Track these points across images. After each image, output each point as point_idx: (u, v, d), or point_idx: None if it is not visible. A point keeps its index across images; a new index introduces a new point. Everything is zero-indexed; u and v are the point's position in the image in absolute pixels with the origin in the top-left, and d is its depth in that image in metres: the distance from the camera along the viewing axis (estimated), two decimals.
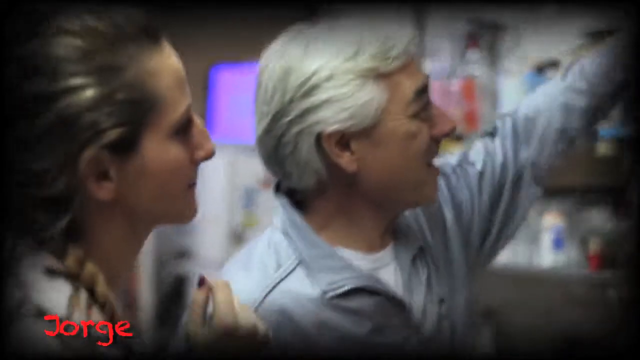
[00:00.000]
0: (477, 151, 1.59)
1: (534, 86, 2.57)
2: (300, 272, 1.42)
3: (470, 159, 1.58)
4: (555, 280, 3.01)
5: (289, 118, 1.38)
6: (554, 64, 2.48)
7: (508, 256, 2.85)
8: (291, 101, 1.38)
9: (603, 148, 2.16)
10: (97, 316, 1.07)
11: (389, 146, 1.39)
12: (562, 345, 2.97)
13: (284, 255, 1.43)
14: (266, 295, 1.39)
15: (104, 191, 1.08)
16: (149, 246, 4.17)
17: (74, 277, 1.07)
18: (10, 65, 1.05)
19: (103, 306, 1.08)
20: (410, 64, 1.37)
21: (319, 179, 1.41)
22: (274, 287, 1.40)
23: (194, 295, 1.19)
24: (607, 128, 2.14)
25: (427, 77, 1.42)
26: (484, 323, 3.43)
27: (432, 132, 1.40)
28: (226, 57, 4.51)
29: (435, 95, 3.07)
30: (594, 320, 2.86)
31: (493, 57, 3.05)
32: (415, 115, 1.38)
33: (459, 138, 3.12)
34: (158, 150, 1.10)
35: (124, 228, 1.13)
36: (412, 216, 1.54)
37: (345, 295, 1.41)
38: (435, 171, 1.44)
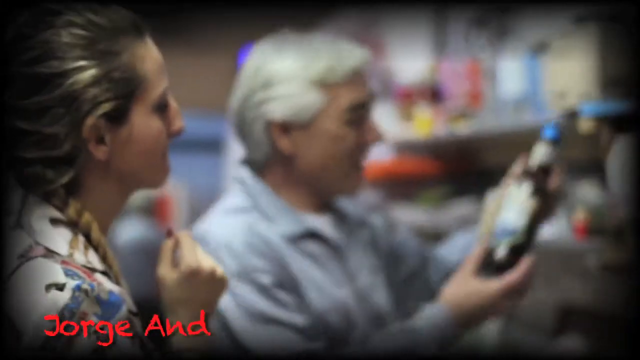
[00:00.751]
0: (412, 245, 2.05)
1: (530, 68, 2.72)
2: (261, 223, 1.79)
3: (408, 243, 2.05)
4: (546, 250, 3.15)
5: (249, 104, 1.77)
6: (544, 47, 2.62)
7: None
8: (254, 92, 1.77)
9: (585, 125, 2.30)
10: (92, 256, 1.32)
11: (320, 142, 1.77)
12: (561, 314, 3.07)
13: (243, 212, 1.81)
14: (239, 232, 1.75)
15: (100, 153, 1.34)
16: None
17: (73, 225, 1.34)
18: (29, 52, 1.31)
19: (97, 248, 1.34)
20: (355, 80, 1.76)
21: (267, 155, 1.81)
22: (246, 227, 1.77)
23: (164, 244, 1.45)
24: (589, 106, 2.27)
25: (369, 95, 1.78)
26: None
27: (360, 140, 1.78)
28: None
29: (444, 75, 3.27)
30: (587, 288, 2.99)
31: (496, 40, 3.19)
32: (346, 123, 1.76)
33: (464, 115, 3.27)
34: (143, 121, 1.37)
35: (113, 186, 1.39)
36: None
37: (298, 239, 1.79)
38: (360, 171, 1.81)
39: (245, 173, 1.85)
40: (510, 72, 2.84)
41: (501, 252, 1.74)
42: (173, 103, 1.43)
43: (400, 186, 3.98)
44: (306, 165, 1.80)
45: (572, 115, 1.87)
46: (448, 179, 3.85)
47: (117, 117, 1.35)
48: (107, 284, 1.29)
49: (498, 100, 2.94)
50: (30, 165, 1.33)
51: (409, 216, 3.77)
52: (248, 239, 1.76)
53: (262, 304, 1.71)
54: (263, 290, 1.72)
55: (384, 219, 2.03)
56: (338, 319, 1.79)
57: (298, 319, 1.74)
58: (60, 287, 1.24)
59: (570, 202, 2.69)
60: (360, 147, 1.80)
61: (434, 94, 3.78)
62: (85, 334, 1.23)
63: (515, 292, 1.73)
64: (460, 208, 3.50)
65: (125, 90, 1.35)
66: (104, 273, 1.32)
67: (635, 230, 2.05)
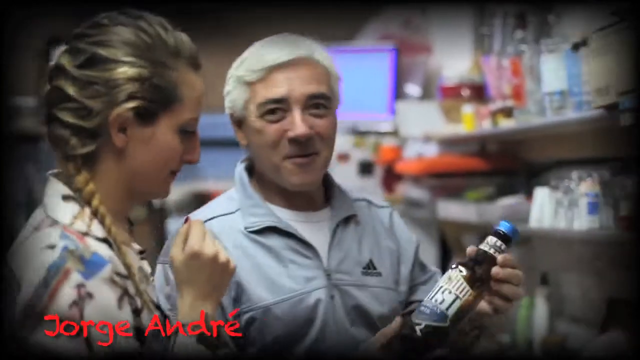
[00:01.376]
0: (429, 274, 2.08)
1: (571, 64, 2.76)
2: (238, 215, 1.90)
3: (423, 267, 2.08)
4: (593, 242, 3.18)
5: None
6: (585, 43, 2.65)
7: (551, 222, 3.03)
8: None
9: (627, 118, 2.33)
10: (96, 227, 1.51)
11: (250, 134, 1.91)
12: (608, 307, 3.09)
13: (230, 203, 1.94)
14: (205, 221, 1.80)
15: (119, 140, 1.53)
16: None
17: (79, 193, 1.52)
18: (99, 35, 1.53)
19: (97, 216, 1.52)
20: (273, 77, 1.87)
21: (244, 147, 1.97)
22: (213, 218, 1.89)
23: (179, 229, 1.61)
24: (628, 99, 2.30)
25: (284, 95, 1.86)
26: (540, 288, 3.59)
27: (285, 134, 1.87)
28: None
29: (488, 72, 3.28)
30: (635, 281, 3.01)
31: (538, 36, 3.22)
32: (262, 116, 1.87)
33: (509, 112, 3.31)
34: (165, 134, 1.55)
35: (121, 179, 1.56)
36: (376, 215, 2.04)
37: (261, 233, 1.89)
38: (294, 163, 1.88)
39: (241, 166, 2.00)
40: (552, 68, 2.87)
41: (419, 332, 1.71)
42: (198, 137, 1.61)
43: (447, 182, 4.02)
44: (255, 158, 1.96)
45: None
46: (494, 175, 3.89)
47: (144, 117, 1.53)
48: (96, 247, 1.47)
49: (540, 96, 2.97)
50: (63, 127, 1.52)
51: (457, 211, 3.81)
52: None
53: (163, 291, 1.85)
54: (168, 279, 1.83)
55: (415, 244, 2.07)
56: (289, 311, 1.85)
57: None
58: (52, 247, 1.44)
59: (616, 196, 2.72)
60: (289, 141, 1.87)
61: (478, 91, 3.83)
62: (67, 287, 1.41)
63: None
64: (507, 202, 3.53)
65: (160, 99, 1.54)
66: (104, 240, 1.50)
67: None
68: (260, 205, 1.92)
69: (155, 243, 1.92)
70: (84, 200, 1.52)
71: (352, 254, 1.94)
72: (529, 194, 3.40)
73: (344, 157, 4.62)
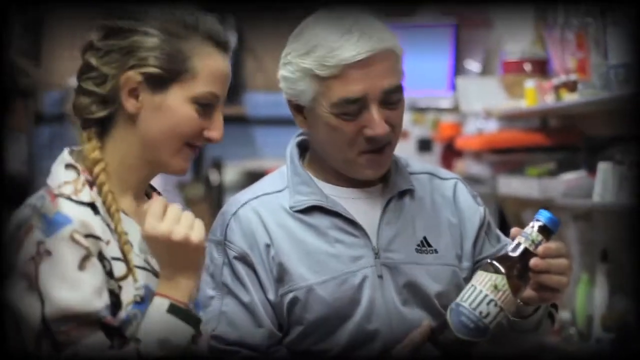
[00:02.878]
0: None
1: (638, 34, 2.72)
2: (285, 193, 1.87)
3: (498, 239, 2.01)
4: None
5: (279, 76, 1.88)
6: None
7: (615, 196, 3.00)
8: (280, 66, 1.87)
9: None
10: (86, 193, 1.57)
11: (320, 127, 1.84)
12: None
13: (280, 181, 1.91)
14: (248, 201, 1.88)
15: (130, 105, 1.60)
16: None
17: (85, 161, 1.59)
18: (123, 12, 1.61)
19: (94, 183, 1.59)
20: (349, 74, 1.78)
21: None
22: (257, 197, 1.88)
23: (143, 206, 1.60)
24: None
25: (362, 94, 1.78)
26: (600, 265, 3.56)
27: (363, 132, 1.81)
28: None
29: (553, 44, 3.23)
30: None
31: (604, 7, 3.17)
32: (337, 115, 1.80)
33: (572, 87, 3.28)
34: (176, 101, 1.60)
35: (133, 146, 1.62)
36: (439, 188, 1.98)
37: (306, 211, 1.86)
38: (369, 159, 1.84)
39: (293, 142, 1.96)
40: (618, 41, 2.84)
41: (457, 341, 1.67)
42: (220, 115, 1.65)
43: (507, 158, 3.99)
44: (319, 147, 1.90)
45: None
46: (556, 150, 3.86)
47: (155, 84, 1.59)
48: (64, 207, 1.52)
49: (606, 69, 2.94)
50: (84, 95, 1.61)
51: (518, 187, 3.79)
52: (249, 205, 1.89)
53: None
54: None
55: (484, 215, 2.00)
56: (333, 292, 1.83)
57: (244, 296, 1.84)
58: (27, 206, 1.55)
59: None
60: (366, 139, 1.82)
61: (541, 66, 3.79)
62: (28, 243, 1.50)
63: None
64: (570, 177, 3.50)
65: (169, 67, 1.59)
66: (89, 205, 1.56)
67: None
68: (308, 183, 1.89)
69: (212, 220, 1.93)
70: (87, 167, 1.59)
71: (405, 231, 1.90)
72: (591, 170, 3.36)
73: (403, 134, 4.60)
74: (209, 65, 1.62)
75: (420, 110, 4.78)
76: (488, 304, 1.65)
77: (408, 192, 1.93)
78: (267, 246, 1.84)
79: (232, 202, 1.91)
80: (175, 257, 1.55)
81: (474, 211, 1.97)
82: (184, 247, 1.55)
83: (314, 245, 1.85)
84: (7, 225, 1.55)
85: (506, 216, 4.24)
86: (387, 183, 1.92)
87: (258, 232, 1.85)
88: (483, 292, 1.66)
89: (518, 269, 1.67)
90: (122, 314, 1.53)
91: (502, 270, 1.66)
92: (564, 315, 3.69)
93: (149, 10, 1.62)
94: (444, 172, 2.04)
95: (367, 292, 1.85)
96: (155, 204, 1.56)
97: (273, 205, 1.88)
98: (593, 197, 3.14)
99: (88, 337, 1.48)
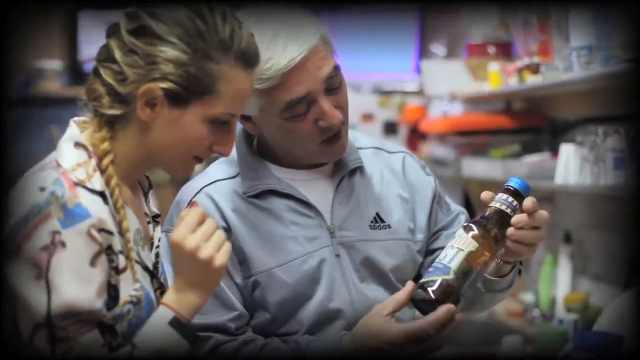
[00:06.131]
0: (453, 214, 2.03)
1: (599, 18, 2.73)
2: (237, 179, 1.87)
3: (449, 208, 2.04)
4: (617, 198, 3.17)
5: None
6: None
7: (577, 178, 3.03)
8: None
9: None
10: (97, 180, 1.53)
11: (274, 132, 1.85)
12: (632, 263, 3.09)
13: (232, 166, 1.90)
14: (204, 187, 1.87)
15: (144, 114, 1.54)
16: None
17: (93, 148, 1.55)
18: (160, 11, 1.54)
19: (103, 173, 1.55)
20: (287, 80, 1.77)
21: None
22: (212, 182, 1.87)
23: (182, 213, 1.57)
24: None
25: (305, 92, 1.78)
26: (563, 246, 3.60)
27: (318, 124, 1.80)
28: None
29: (516, 27, 3.23)
30: None
31: None
32: (288, 119, 1.80)
33: (535, 69, 3.29)
34: (192, 120, 1.56)
35: (140, 149, 1.58)
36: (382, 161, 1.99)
37: (259, 196, 1.86)
38: (330, 145, 1.84)
39: (241, 126, 1.94)
40: (579, 23, 2.84)
41: (428, 289, 1.68)
42: (233, 131, 1.62)
43: (472, 140, 4.01)
44: (271, 143, 1.90)
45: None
46: (519, 133, 3.88)
47: (174, 100, 1.54)
48: (84, 198, 1.48)
49: (568, 52, 2.95)
50: (101, 83, 1.55)
51: (482, 169, 3.81)
52: (204, 192, 1.88)
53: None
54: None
55: (435, 186, 2.01)
56: (292, 273, 1.84)
57: None
58: (43, 190, 1.47)
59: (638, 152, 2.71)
60: (323, 129, 1.83)
61: (505, 48, 3.81)
62: (43, 230, 1.44)
63: (422, 340, 1.70)
64: (533, 159, 3.52)
65: (193, 88, 1.54)
66: (100, 194, 1.52)
67: None
68: (259, 168, 1.89)
69: None
70: (97, 157, 1.55)
71: (357, 209, 1.91)
72: (554, 152, 3.39)
73: (368, 117, 4.62)
74: (234, 88, 1.57)
75: (386, 93, 4.79)
76: (446, 249, 1.71)
77: (358, 169, 1.94)
78: (226, 230, 1.84)
79: (186, 190, 1.90)
80: (193, 272, 1.53)
81: (425, 184, 2.00)
82: (205, 266, 1.52)
83: (270, 229, 1.86)
84: (9, 204, 1.49)
85: (470, 198, 4.27)
86: (338, 162, 1.93)
87: (215, 218, 1.82)
88: (448, 244, 1.72)
89: (494, 231, 1.71)
90: (117, 310, 1.51)
91: (477, 230, 1.70)
92: (527, 297, 3.72)
93: (176, 10, 1.54)
94: (391, 146, 2.05)
95: (326, 271, 1.86)
96: (192, 214, 1.54)
97: (227, 191, 1.88)
98: (555, 178, 3.16)
99: (84, 335, 1.46)
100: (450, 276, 1.68)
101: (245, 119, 1.86)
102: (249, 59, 1.58)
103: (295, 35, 1.77)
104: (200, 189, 1.88)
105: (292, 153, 1.88)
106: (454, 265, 1.68)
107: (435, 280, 1.68)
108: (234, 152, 1.91)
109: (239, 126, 1.93)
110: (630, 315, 2.66)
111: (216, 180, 1.89)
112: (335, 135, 1.84)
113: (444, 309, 1.66)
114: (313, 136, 1.82)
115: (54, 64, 4.97)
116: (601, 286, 3.39)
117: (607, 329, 2.35)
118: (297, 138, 1.83)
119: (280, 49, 1.76)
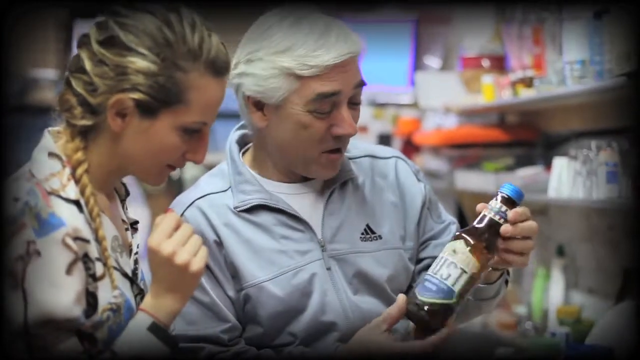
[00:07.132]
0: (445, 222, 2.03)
1: (593, 32, 2.74)
2: (229, 192, 1.88)
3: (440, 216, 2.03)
4: (610, 212, 3.18)
5: (235, 72, 1.84)
6: (607, 11, 2.64)
7: (570, 191, 3.03)
8: (238, 62, 1.84)
9: None
10: (72, 189, 1.54)
11: (287, 124, 1.82)
12: (624, 276, 3.09)
13: (222, 180, 1.91)
14: (195, 200, 1.87)
15: (115, 124, 1.55)
16: None
17: (67, 158, 1.56)
18: (130, 20, 1.54)
19: (77, 182, 1.55)
20: (327, 73, 1.79)
21: (249, 124, 1.91)
22: (203, 196, 1.87)
23: (157, 219, 1.57)
24: None
25: (338, 89, 1.80)
26: (556, 259, 3.60)
27: (331, 130, 1.81)
28: None
29: (510, 40, 3.24)
30: None
31: (558, 4, 3.19)
32: (311, 112, 1.80)
33: (529, 82, 3.31)
34: (163, 129, 1.56)
35: (113, 158, 1.59)
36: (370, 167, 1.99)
37: (250, 210, 1.86)
38: (330, 158, 1.85)
39: (232, 138, 1.95)
40: (574, 37, 2.86)
41: (425, 309, 1.69)
42: (205, 139, 1.61)
43: (465, 153, 4.02)
44: (274, 143, 1.88)
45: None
46: (513, 146, 3.89)
47: (144, 110, 1.55)
48: (58, 207, 1.49)
49: (561, 65, 2.96)
50: (72, 94, 1.56)
51: (475, 182, 3.81)
52: (195, 206, 1.88)
53: None
54: None
55: (427, 193, 2.01)
56: (283, 287, 1.84)
57: (204, 297, 1.84)
58: (17, 200, 1.48)
59: (635, 166, 2.72)
60: (333, 137, 1.83)
61: (499, 61, 3.82)
62: (18, 240, 1.45)
63: (420, 357, 1.72)
64: (526, 173, 3.53)
65: (163, 97, 1.54)
66: (75, 202, 1.52)
67: None
68: (250, 182, 1.89)
69: None
70: (71, 166, 1.55)
71: (348, 221, 1.92)
72: (547, 165, 3.40)
73: (362, 129, 4.62)
74: (205, 97, 1.57)
75: (380, 105, 4.79)
76: (448, 266, 1.69)
77: (349, 180, 1.95)
78: (218, 244, 1.85)
79: (177, 203, 1.91)
80: (170, 278, 1.53)
81: (416, 190, 1.99)
82: (182, 271, 1.53)
83: (261, 243, 1.86)
84: None
85: (464, 210, 4.27)
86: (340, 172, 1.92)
87: (207, 232, 1.85)
88: (444, 257, 1.70)
89: (485, 239, 1.70)
90: (96, 317, 1.51)
91: (470, 241, 1.69)
92: (520, 309, 3.72)
93: (145, 12, 1.54)
94: (383, 151, 2.05)
95: (318, 284, 1.86)
96: (167, 220, 1.54)
97: (218, 205, 1.88)
98: (549, 192, 3.16)
99: (63, 343, 1.46)
100: (454, 300, 1.68)
101: (258, 108, 1.85)
102: (218, 67, 1.58)
103: (345, 36, 1.82)
104: (192, 203, 1.89)
105: (291, 157, 1.87)
106: (458, 288, 1.68)
107: (436, 303, 1.68)
108: (225, 165, 1.93)
109: (230, 139, 1.95)
110: (622, 328, 2.67)
111: (207, 194, 1.90)
112: (337, 151, 1.85)
113: (447, 331, 1.71)
114: (322, 140, 1.83)
115: (48, 73, 4.98)
116: (593, 299, 3.39)
117: (600, 341, 2.35)
118: (307, 136, 1.82)
119: (332, 43, 1.80)
